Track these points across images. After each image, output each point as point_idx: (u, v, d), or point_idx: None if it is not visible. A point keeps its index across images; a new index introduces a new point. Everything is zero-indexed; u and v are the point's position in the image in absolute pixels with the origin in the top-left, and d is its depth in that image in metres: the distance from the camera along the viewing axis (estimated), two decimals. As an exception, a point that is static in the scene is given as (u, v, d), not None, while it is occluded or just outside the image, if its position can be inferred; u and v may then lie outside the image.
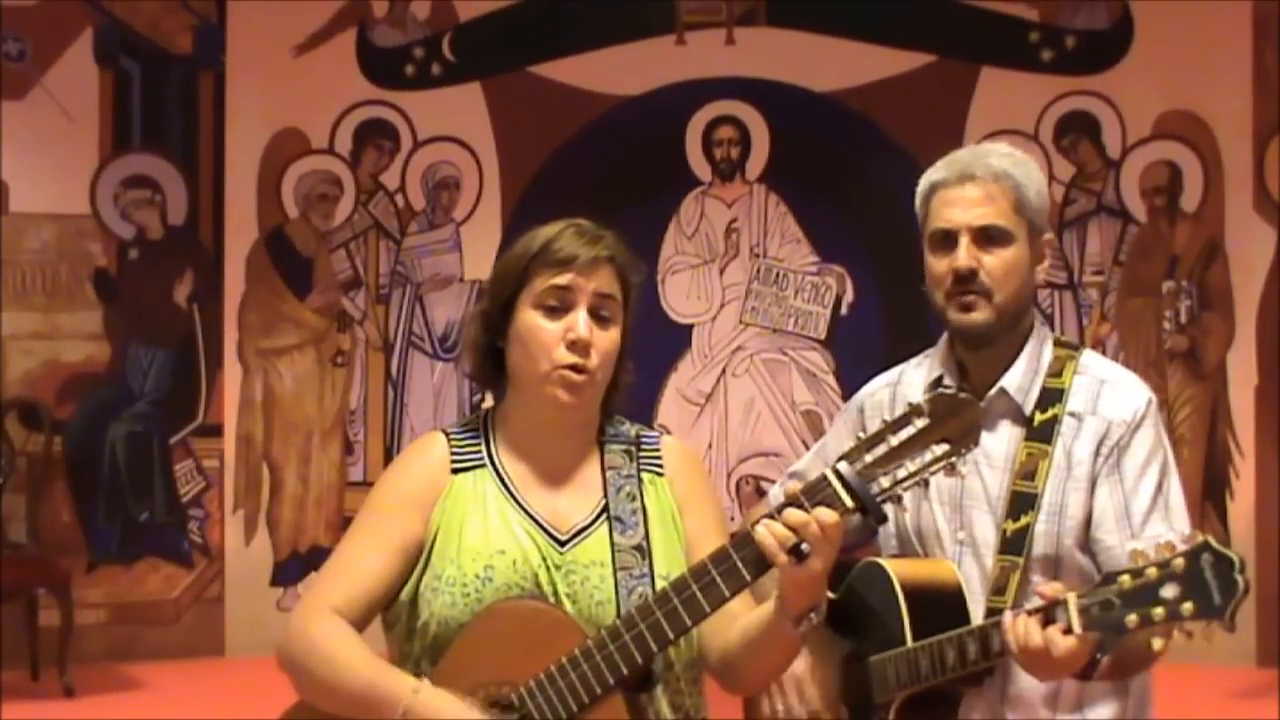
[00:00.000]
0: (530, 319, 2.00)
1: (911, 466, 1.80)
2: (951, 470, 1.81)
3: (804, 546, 1.81)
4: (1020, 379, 2.24)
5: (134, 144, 6.30)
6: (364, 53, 6.54)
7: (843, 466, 1.82)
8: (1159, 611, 1.76)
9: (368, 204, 6.57)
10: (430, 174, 6.58)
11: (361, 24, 6.53)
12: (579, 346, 1.98)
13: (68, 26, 6.19)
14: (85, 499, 6.20)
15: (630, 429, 2.12)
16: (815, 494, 1.83)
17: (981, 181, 2.21)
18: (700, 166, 6.57)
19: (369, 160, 6.56)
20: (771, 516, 1.84)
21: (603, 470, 2.06)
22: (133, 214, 6.31)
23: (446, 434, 2.10)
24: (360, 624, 2.00)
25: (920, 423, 1.80)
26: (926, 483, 1.82)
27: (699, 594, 1.86)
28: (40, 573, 5.74)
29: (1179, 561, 1.76)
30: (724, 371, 6.57)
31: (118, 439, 6.27)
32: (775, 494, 2.49)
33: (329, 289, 6.53)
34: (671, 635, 1.87)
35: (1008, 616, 1.98)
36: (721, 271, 6.57)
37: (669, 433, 6.50)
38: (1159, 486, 2.19)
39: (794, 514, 1.82)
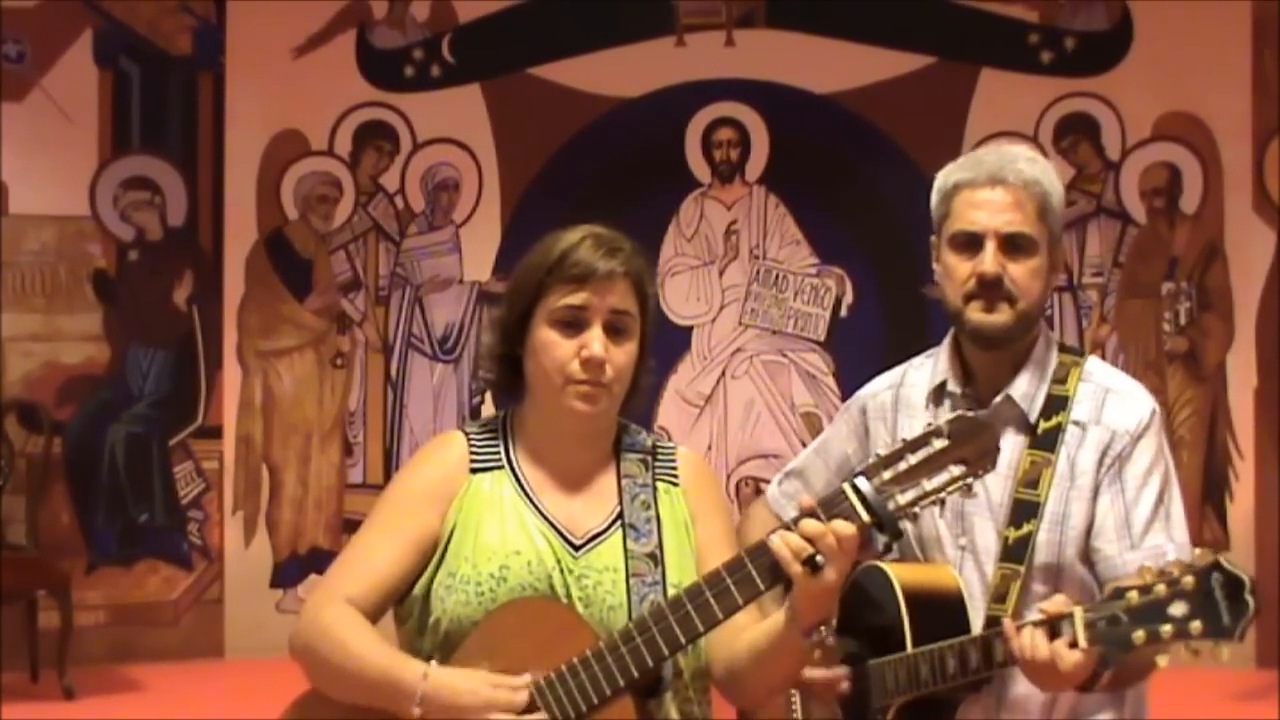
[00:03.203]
0: (545, 335, 2.01)
1: (928, 485, 1.82)
2: (967, 491, 1.82)
3: (818, 558, 1.82)
4: (1027, 386, 2.23)
5: (133, 145, 6.31)
6: (363, 54, 6.54)
7: (861, 482, 1.83)
8: (1167, 629, 1.76)
9: (367, 206, 6.58)
10: (430, 176, 6.58)
11: (361, 25, 6.54)
12: (593, 365, 1.98)
13: (67, 28, 6.19)
14: (85, 501, 6.20)
15: (647, 439, 2.13)
16: (832, 507, 1.84)
17: (1012, 187, 2.19)
18: (700, 168, 6.57)
19: (368, 162, 6.56)
20: (788, 527, 1.85)
21: (618, 478, 2.08)
22: (132, 215, 6.31)
23: (466, 434, 2.11)
24: (373, 616, 2.01)
25: (939, 443, 1.82)
26: (943, 502, 1.83)
27: (712, 600, 1.87)
28: (40, 574, 5.74)
29: (1189, 580, 1.76)
30: (724, 373, 6.57)
31: (117, 440, 6.27)
32: (773, 492, 2.49)
33: (328, 291, 6.53)
34: (683, 640, 1.88)
35: (1009, 624, 1.98)
36: (721, 273, 6.58)
37: (669, 435, 6.51)
38: (1160, 497, 2.18)
39: (811, 524, 1.83)
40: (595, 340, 1.98)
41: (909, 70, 6.41)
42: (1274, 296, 6.12)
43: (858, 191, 6.35)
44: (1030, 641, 1.93)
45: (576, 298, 1.99)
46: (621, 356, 2.01)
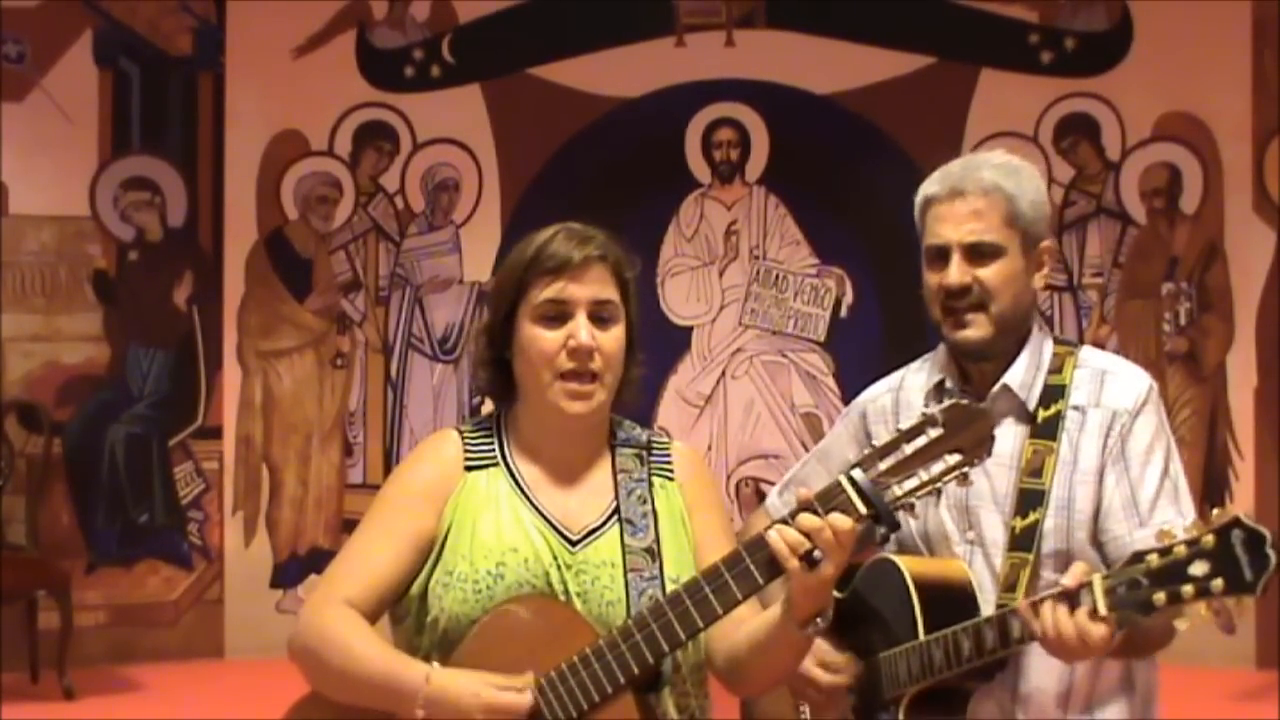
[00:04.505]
0: (531, 331, 2.01)
1: (924, 475, 1.82)
2: (964, 480, 1.82)
3: (815, 553, 1.83)
4: (1023, 375, 2.25)
5: (133, 146, 6.31)
6: (363, 54, 6.54)
7: (857, 474, 1.83)
8: (1188, 589, 1.76)
9: (367, 206, 6.58)
10: (430, 176, 6.58)
11: (361, 26, 6.54)
12: (581, 353, 1.99)
13: (67, 28, 6.19)
14: (85, 501, 6.20)
15: (641, 434, 2.14)
16: (829, 500, 1.84)
17: (971, 197, 2.21)
18: (700, 168, 6.57)
19: (368, 162, 6.57)
20: (785, 521, 1.85)
21: (614, 473, 2.08)
22: (132, 216, 6.31)
23: (460, 432, 2.11)
24: (371, 617, 2.01)
25: (934, 432, 1.82)
26: (940, 491, 1.83)
27: (712, 596, 1.87)
28: (40, 575, 5.74)
29: (1209, 539, 1.76)
30: (724, 373, 6.57)
31: (117, 441, 6.27)
32: (773, 502, 2.49)
33: (328, 291, 6.53)
34: (683, 636, 1.88)
35: (1024, 605, 1.98)
36: (721, 273, 6.58)
37: (669, 435, 6.48)
38: (1164, 471, 2.19)
39: (808, 519, 1.83)
40: (581, 329, 1.99)
41: (909, 70, 6.42)
42: (1274, 296, 6.12)
43: (858, 191, 6.35)
44: (1052, 618, 1.93)
45: (556, 291, 2.00)
46: (610, 343, 2.01)
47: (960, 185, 2.22)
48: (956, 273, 2.20)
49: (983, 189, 2.21)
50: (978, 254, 2.20)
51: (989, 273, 2.20)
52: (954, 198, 2.22)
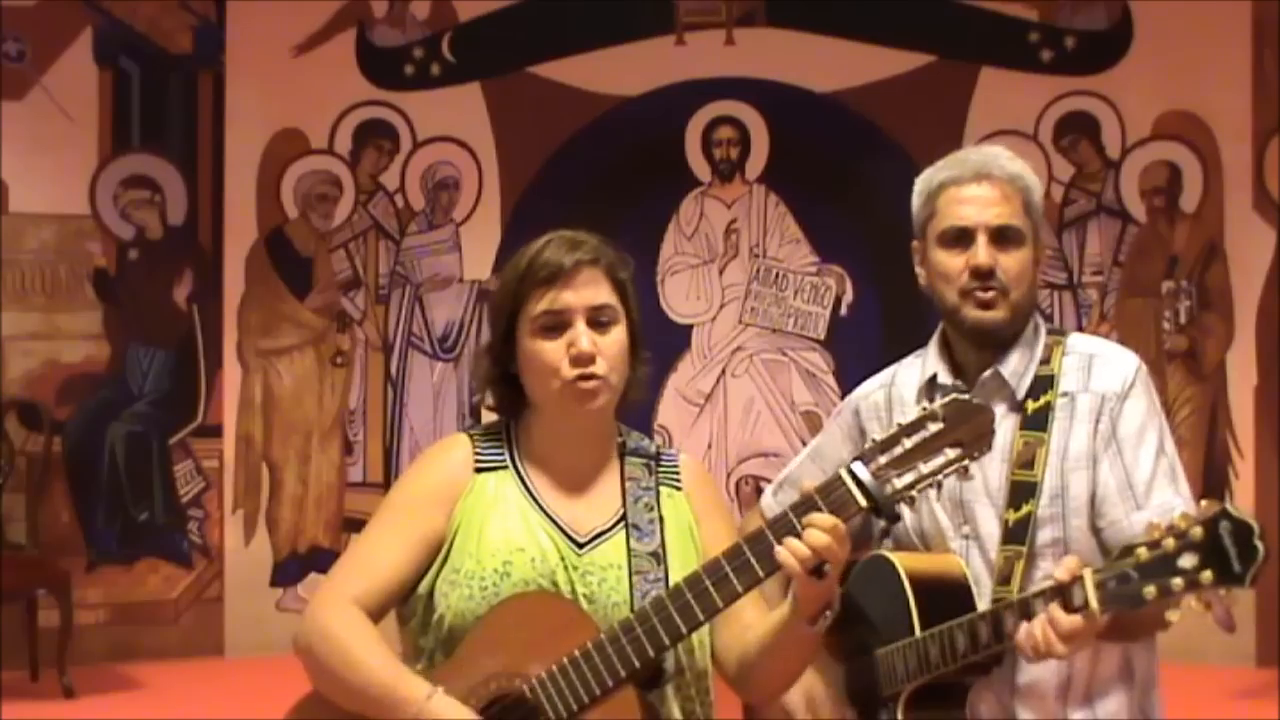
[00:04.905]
0: (532, 345, 2.02)
1: (924, 469, 1.83)
2: (964, 474, 1.84)
3: (826, 566, 1.85)
4: (1015, 364, 2.25)
5: (133, 144, 6.31)
6: (363, 53, 6.54)
7: (857, 467, 1.85)
8: (1177, 582, 1.75)
9: (367, 204, 6.58)
10: (430, 174, 6.58)
11: (361, 24, 6.54)
12: (583, 359, 2.00)
13: (67, 26, 6.19)
14: (85, 499, 6.20)
15: (650, 445, 2.16)
16: (829, 493, 1.86)
17: (998, 181, 2.24)
18: (700, 167, 6.57)
19: (368, 160, 6.57)
20: (786, 516, 1.86)
21: (622, 481, 2.10)
22: (132, 214, 6.31)
23: (470, 435, 2.13)
24: (376, 616, 2.02)
25: (934, 427, 1.83)
26: (940, 485, 1.84)
27: (712, 588, 1.88)
28: (40, 573, 5.74)
29: (1197, 531, 1.76)
30: (724, 372, 6.57)
31: (117, 439, 6.27)
32: (768, 502, 2.49)
33: (328, 289, 6.53)
34: (684, 629, 1.89)
35: (1009, 621, 1.99)
36: (721, 272, 6.58)
37: (669, 433, 6.49)
38: (1159, 451, 2.19)
39: (817, 536, 1.84)
40: (581, 336, 2.00)
41: (909, 69, 6.42)
42: (1274, 295, 6.12)
43: (858, 190, 6.35)
44: (1043, 634, 1.93)
45: (551, 301, 2.01)
46: (611, 346, 2.02)
47: (984, 169, 2.25)
48: (985, 254, 2.21)
49: (1008, 175, 2.25)
50: (1003, 238, 2.23)
51: (1011, 260, 2.23)
52: (979, 180, 2.24)
